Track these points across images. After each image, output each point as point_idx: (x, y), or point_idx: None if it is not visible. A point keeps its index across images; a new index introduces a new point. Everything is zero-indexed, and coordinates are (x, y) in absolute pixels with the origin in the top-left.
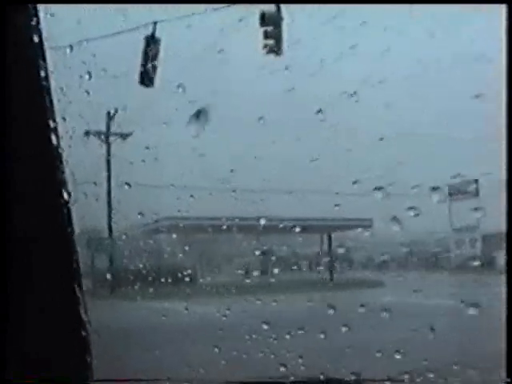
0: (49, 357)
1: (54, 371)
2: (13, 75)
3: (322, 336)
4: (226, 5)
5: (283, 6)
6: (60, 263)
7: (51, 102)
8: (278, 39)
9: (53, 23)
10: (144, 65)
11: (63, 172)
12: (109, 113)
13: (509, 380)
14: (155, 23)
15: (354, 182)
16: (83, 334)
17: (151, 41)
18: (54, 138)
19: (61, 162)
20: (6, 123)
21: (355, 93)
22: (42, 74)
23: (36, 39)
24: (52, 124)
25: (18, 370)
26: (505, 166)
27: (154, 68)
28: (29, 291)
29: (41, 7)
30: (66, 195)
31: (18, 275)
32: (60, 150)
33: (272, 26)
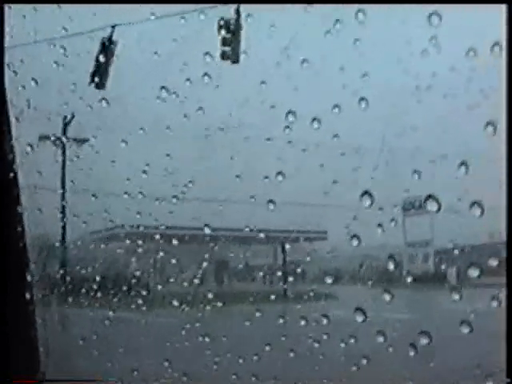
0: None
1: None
2: None
3: (268, 348)
4: (188, 10)
5: (243, 14)
6: (13, 271)
7: (5, 105)
8: (235, 47)
9: (12, 24)
10: (97, 66)
11: (16, 178)
12: (65, 118)
13: (509, 380)
14: (113, 26)
15: (309, 194)
16: (34, 339)
17: (107, 43)
18: (7, 142)
19: (14, 168)
20: None
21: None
22: None
23: None
24: (6, 129)
25: None
26: (505, 171)
27: (107, 70)
28: None
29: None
30: (20, 202)
31: None
32: (14, 155)
33: (230, 33)
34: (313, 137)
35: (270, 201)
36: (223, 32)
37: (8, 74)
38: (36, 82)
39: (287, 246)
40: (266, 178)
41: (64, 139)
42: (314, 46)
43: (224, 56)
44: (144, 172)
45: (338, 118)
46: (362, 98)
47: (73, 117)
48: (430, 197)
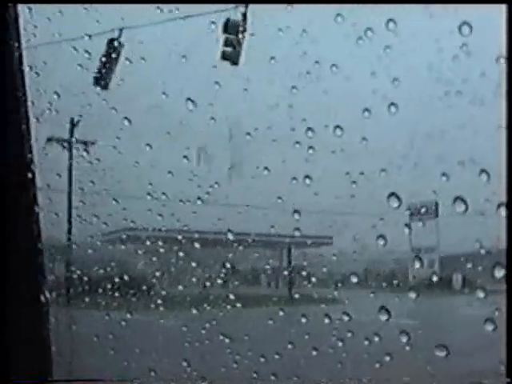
0: (11, 360)
1: (16, 373)
2: None
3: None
4: (196, 12)
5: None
6: (28, 271)
7: (25, 105)
8: (237, 49)
9: (27, 25)
10: (101, 66)
11: (34, 178)
12: (72, 120)
13: (509, 380)
14: (121, 29)
15: (316, 201)
16: (45, 339)
17: (113, 44)
18: (26, 143)
19: (32, 168)
20: None
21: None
22: (18, 77)
23: (12, 41)
24: (26, 129)
25: None
26: (505, 173)
27: (111, 71)
28: None
29: (18, 9)
30: (37, 202)
31: None
32: (33, 156)
33: (234, 34)
34: (341, 140)
35: (296, 211)
36: (227, 33)
37: (30, 75)
38: (58, 84)
39: (293, 251)
40: (294, 179)
41: (73, 141)
42: (344, 52)
43: (224, 56)
44: (169, 172)
45: (367, 121)
46: (392, 103)
47: (80, 119)
48: (457, 198)
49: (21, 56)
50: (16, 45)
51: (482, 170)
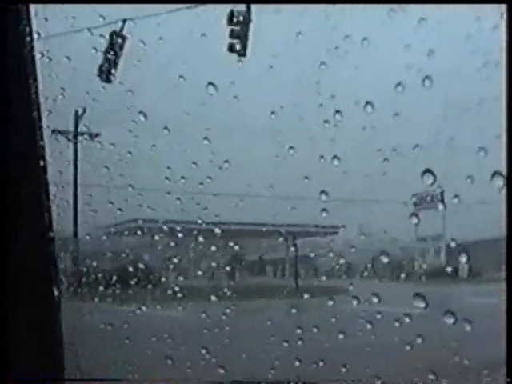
0: (21, 356)
1: (27, 370)
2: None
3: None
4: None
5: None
6: (40, 264)
7: (36, 92)
8: (243, 40)
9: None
10: (105, 59)
11: (46, 166)
12: (76, 112)
13: (509, 380)
14: (124, 20)
15: (322, 192)
16: (58, 334)
17: (116, 36)
18: (38, 136)
19: (44, 156)
20: None
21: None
22: (29, 71)
23: (25, 38)
24: (37, 118)
25: None
26: (505, 172)
27: (115, 64)
28: (8, 292)
29: (31, 7)
30: (49, 191)
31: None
32: (44, 143)
33: (239, 26)
34: (373, 116)
35: (323, 191)
36: (232, 24)
37: (41, 61)
38: (72, 70)
39: (300, 241)
40: (322, 157)
41: (75, 133)
42: (374, 25)
43: (231, 48)
44: (194, 163)
45: (400, 96)
46: (427, 77)
47: (84, 111)
48: (495, 174)
49: (32, 44)
50: (27, 33)
51: None
